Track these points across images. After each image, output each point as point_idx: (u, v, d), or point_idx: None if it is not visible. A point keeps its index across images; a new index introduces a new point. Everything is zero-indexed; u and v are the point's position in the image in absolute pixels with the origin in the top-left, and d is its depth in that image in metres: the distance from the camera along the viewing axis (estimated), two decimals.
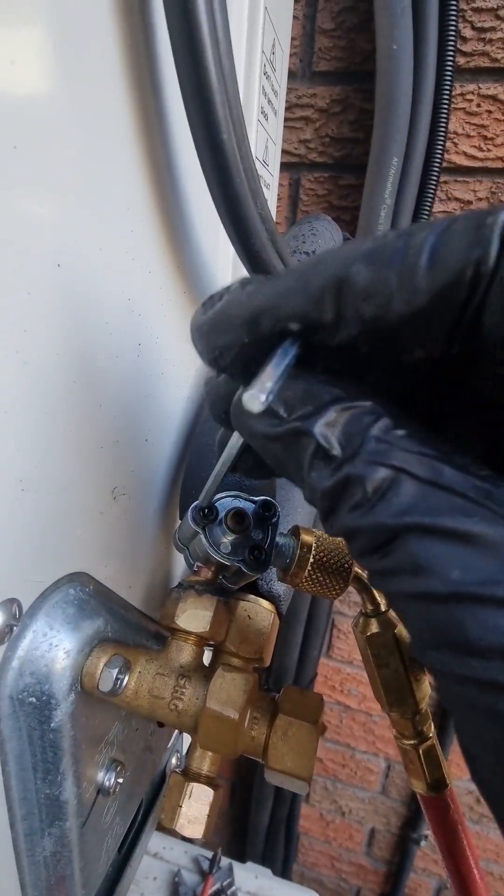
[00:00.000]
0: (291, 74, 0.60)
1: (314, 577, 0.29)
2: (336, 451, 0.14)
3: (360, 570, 0.30)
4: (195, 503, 0.28)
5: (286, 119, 0.62)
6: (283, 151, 0.64)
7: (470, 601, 0.12)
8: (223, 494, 0.29)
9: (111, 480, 0.32)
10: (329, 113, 0.61)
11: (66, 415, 0.26)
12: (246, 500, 0.30)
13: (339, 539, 0.30)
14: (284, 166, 0.65)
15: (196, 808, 0.29)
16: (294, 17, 0.57)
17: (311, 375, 0.15)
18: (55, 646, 0.26)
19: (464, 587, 0.12)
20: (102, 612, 0.29)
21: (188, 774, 0.30)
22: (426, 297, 0.13)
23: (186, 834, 0.29)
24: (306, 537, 0.29)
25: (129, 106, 0.26)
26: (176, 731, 0.49)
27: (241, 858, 0.77)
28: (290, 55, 0.58)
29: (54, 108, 0.21)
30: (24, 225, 0.21)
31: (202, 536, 0.28)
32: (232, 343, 0.16)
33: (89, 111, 0.23)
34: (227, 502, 0.29)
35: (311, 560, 0.28)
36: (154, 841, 0.75)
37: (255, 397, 0.14)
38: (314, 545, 0.29)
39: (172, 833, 0.76)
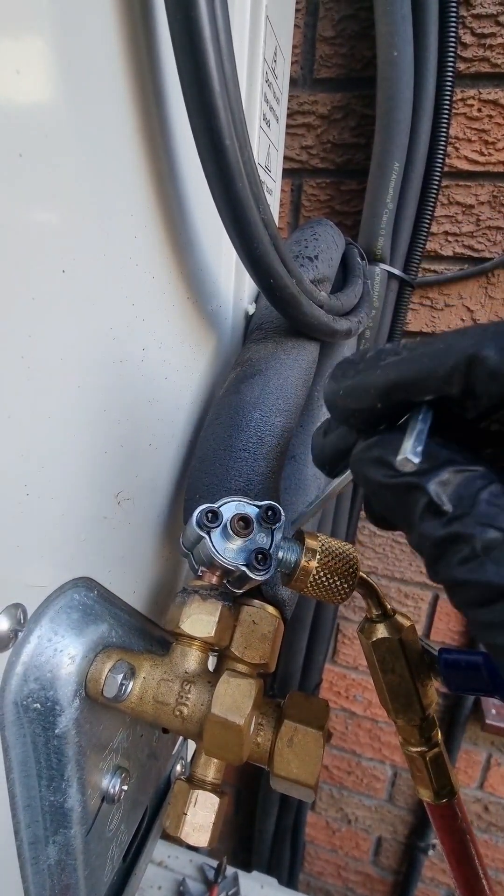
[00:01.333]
0: (293, 81, 0.61)
1: (319, 581, 0.28)
2: (447, 507, 0.16)
3: (365, 575, 0.30)
4: (201, 507, 0.28)
5: (288, 126, 0.62)
6: (286, 158, 0.64)
7: None
8: (227, 499, 0.29)
9: (115, 485, 0.32)
10: (330, 119, 0.62)
11: (70, 419, 0.26)
12: (250, 504, 0.30)
13: (344, 543, 0.29)
14: (287, 172, 0.65)
15: (201, 815, 0.29)
16: (295, 25, 0.57)
17: (429, 438, 0.17)
18: (60, 651, 0.26)
19: None
20: (107, 617, 0.29)
21: (193, 782, 0.29)
22: None
23: (192, 842, 0.28)
24: (311, 542, 0.29)
25: (132, 113, 0.26)
26: (180, 738, 0.49)
27: (247, 867, 0.76)
28: (292, 63, 0.59)
29: (59, 116, 0.22)
30: (29, 231, 0.21)
31: (206, 540, 0.28)
32: (366, 408, 0.19)
33: (93, 119, 0.24)
34: (231, 506, 0.29)
35: (316, 565, 0.28)
36: (159, 849, 0.74)
37: (409, 460, 0.17)
38: (319, 550, 0.29)
39: (177, 841, 0.76)
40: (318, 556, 0.28)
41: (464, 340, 0.16)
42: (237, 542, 0.29)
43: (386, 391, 0.18)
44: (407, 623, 0.30)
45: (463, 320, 0.65)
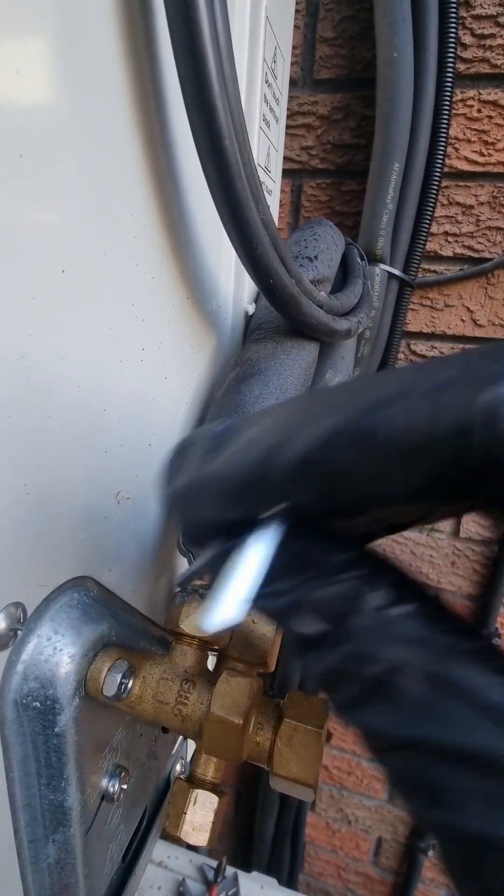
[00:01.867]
0: (293, 82, 0.61)
1: None
2: (323, 632, 0.13)
3: None
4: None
5: (288, 126, 0.63)
6: (286, 158, 0.64)
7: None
8: None
9: (115, 484, 0.32)
10: (330, 120, 0.62)
11: (70, 419, 0.26)
12: None
13: None
14: (287, 173, 0.65)
15: (201, 814, 0.29)
16: (295, 26, 0.57)
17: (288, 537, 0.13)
18: (59, 650, 0.26)
19: (484, 831, 0.11)
20: (106, 616, 0.29)
21: (193, 781, 0.29)
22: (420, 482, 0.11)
23: (191, 841, 0.29)
24: None
25: (131, 113, 0.26)
26: (180, 738, 0.49)
27: (247, 867, 0.76)
28: (292, 63, 0.59)
29: (59, 117, 0.22)
30: (29, 231, 0.21)
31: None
32: (210, 519, 0.15)
33: (93, 119, 0.24)
34: None
35: None
36: (158, 849, 0.74)
37: (211, 621, 0.12)
38: None
39: (177, 841, 0.76)
40: None
41: (296, 432, 0.12)
42: None
43: (224, 504, 0.14)
44: None
45: (463, 321, 0.65)
